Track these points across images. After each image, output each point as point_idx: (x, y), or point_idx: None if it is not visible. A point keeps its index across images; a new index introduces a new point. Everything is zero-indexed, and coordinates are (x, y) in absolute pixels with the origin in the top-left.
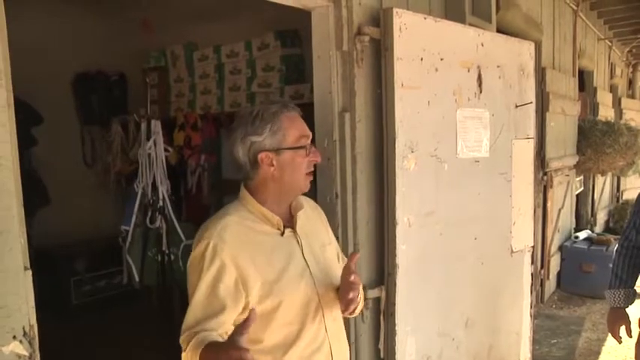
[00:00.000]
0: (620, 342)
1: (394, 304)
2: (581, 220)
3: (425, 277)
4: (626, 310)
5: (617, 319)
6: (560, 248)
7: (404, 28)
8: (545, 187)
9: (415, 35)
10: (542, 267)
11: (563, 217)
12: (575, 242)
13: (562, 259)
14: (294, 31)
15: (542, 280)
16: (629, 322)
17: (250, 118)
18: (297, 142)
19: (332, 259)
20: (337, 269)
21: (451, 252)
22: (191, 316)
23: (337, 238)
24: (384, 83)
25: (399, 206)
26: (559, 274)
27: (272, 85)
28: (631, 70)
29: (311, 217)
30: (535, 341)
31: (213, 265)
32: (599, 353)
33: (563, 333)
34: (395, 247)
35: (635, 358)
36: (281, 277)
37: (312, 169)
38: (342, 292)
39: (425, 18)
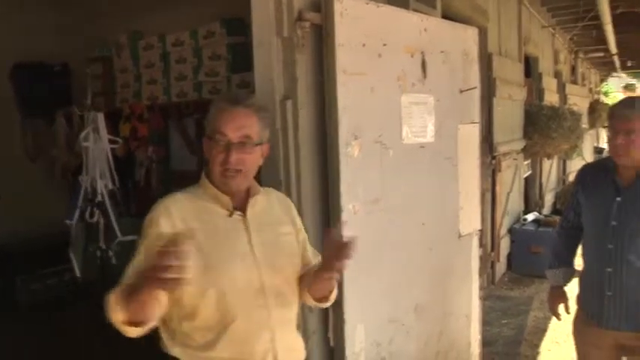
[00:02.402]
0: (559, 319)
1: (342, 293)
2: (530, 202)
3: (373, 264)
4: (565, 288)
5: (557, 297)
6: (510, 231)
7: (345, 14)
8: (493, 171)
9: (357, 21)
10: (492, 249)
11: (512, 200)
12: (523, 224)
13: (512, 241)
14: (240, 19)
15: (492, 262)
16: (567, 299)
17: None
18: (212, 133)
19: (289, 249)
20: (293, 259)
21: (399, 238)
22: (124, 278)
23: None
24: (326, 69)
25: (344, 194)
26: (509, 256)
27: (219, 73)
28: (573, 56)
29: (274, 207)
30: (486, 322)
31: (153, 232)
32: (545, 330)
33: (514, 313)
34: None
35: (573, 334)
36: (218, 257)
37: (228, 167)
38: (320, 271)
39: (367, 3)
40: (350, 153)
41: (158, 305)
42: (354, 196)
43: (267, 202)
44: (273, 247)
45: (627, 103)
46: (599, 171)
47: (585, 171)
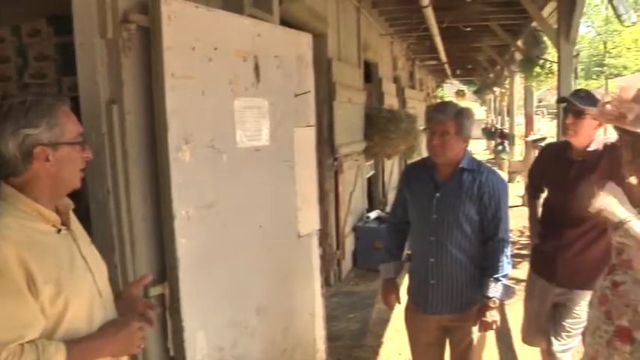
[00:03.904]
0: (391, 309)
1: (179, 300)
2: (374, 201)
3: (211, 268)
4: (396, 280)
5: (389, 289)
6: (354, 229)
7: (173, 17)
8: (336, 172)
9: (186, 24)
10: (338, 248)
11: (355, 200)
12: (367, 222)
13: (356, 239)
14: (70, 18)
15: (338, 260)
16: (399, 290)
17: (23, 110)
18: (75, 137)
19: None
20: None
21: (236, 241)
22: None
23: (112, 236)
24: (154, 73)
25: (176, 199)
26: (354, 253)
27: (47, 76)
28: (411, 63)
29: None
30: (334, 318)
31: (7, 274)
32: (388, 321)
33: (359, 307)
34: (174, 242)
35: (405, 321)
36: (68, 277)
37: (84, 165)
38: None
39: (197, 7)
40: (181, 158)
41: None
42: (187, 202)
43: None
44: (94, 256)
45: (441, 107)
46: (421, 169)
47: (409, 169)
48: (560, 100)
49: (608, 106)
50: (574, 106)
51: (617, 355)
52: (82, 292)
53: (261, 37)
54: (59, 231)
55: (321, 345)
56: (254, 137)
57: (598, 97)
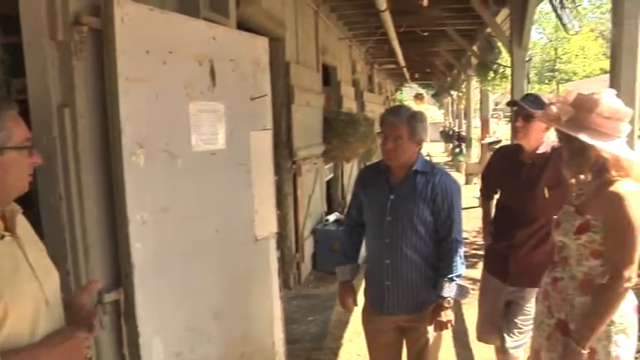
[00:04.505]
0: (349, 311)
1: (134, 306)
2: (333, 204)
3: (167, 273)
4: (353, 282)
5: (346, 291)
6: (314, 231)
7: (127, 19)
8: (294, 176)
9: (140, 27)
10: (297, 251)
11: (314, 203)
12: (325, 225)
13: (315, 242)
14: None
15: (298, 263)
16: (355, 292)
17: None
18: (22, 142)
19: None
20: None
21: (192, 246)
22: None
23: (65, 242)
24: (107, 76)
25: (130, 204)
26: (314, 256)
27: None
28: (370, 67)
29: (27, 221)
30: (294, 321)
31: None
32: (347, 323)
33: (319, 310)
34: (129, 247)
35: (362, 323)
36: (8, 284)
37: (32, 171)
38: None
39: (151, 10)
40: (135, 162)
41: None
42: (142, 206)
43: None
44: (43, 263)
45: (395, 111)
46: (376, 172)
47: (364, 172)
48: (510, 103)
49: (553, 108)
50: (523, 109)
51: (559, 346)
52: (25, 300)
53: (216, 41)
54: (2, 237)
55: (280, 348)
56: (210, 141)
57: (546, 101)
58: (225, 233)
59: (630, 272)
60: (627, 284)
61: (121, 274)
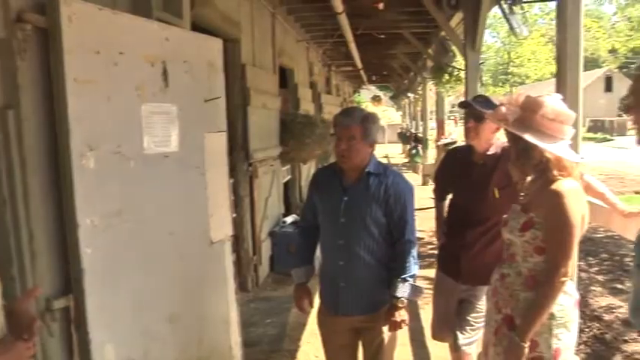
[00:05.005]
0: (305, 313)
1: (85, 312)
2: (291, 206)
3: (119, 278)
4: (308, 284)
5: (301, 293)
6: (271, 234)
7: (75, 18)
8: (251, 178)
9: (89, 26)
10: (254, 253)
11: (271, 205)
12: (283, 227)
13: (273, 244)
14: None
15: (255, 265)
16: (310, 294)
17: None
18: None
19: None
20: None
21: (146, 249)
22: None
23: (10, 247)
24: (54, 77)
25: (80, 208)
26: (271, 258)
27: None
28: (327, 69)
29: None
30: (252, 324)
31: None
32: (305, 324)
33: (277, 312)
34: (79, 252)
35: (317, 324)
36: None
37: None
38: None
39: (100, 9)
40: (85, 165)
41: None
42: (92, 210)
43: None
44: None
45: (348, 112)
46: (329, 174)
47: (317, 174)
48: (462, 104)
49: (502, 109)
50: (475, 110)
51: (505, 341)
52: None
53: (169, 42)
54: None
55: (237, 351)
56: (162, 143)
57: (496, 102)
58: (180, 236)
59: (566, 267)
60: (563, 278)
61: (70, 279)
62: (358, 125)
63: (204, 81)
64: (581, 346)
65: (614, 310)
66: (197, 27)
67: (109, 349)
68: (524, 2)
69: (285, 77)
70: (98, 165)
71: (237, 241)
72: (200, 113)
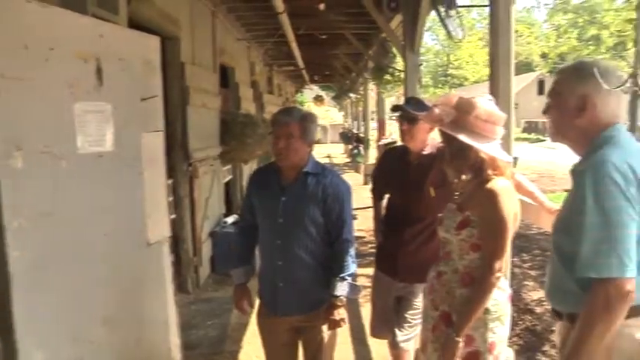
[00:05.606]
0: (244, 313)
1: (12, 319)
2: (233, 205)
3: (49, 282)
4: (247, 285)
5: (241, 294)
6: (212, 234)
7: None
8: (191, 178)
9: (15, 20)
10: (194, 254)
11: (212, 205)
12: (224, 227)
13: (213, 245)
14: None
15: (196, 266)
16: (250, 295)
17: None
18: None
19: None
20: None
21: (78, 251)
22: None
23: None
24: None
25: (7, 209)
26: (212, 259)
27: None
28: (269, 69)
29: None
30: (193, 325)
31: None
32: (247, 325)
33: (218, 313)
34: (5, 256)
35: (257, 324)
36: None
37: None
38: None
39: (28, 2)
40: (12, 165)
41: None
42: (20, 211)
43: None
44: None
45: (286, 111)
46: (267, 174)
47: (256, 174)
48: (394, 108)
49: (436, 111)
50: (408, 113)
51: (442, 337)
52: None
53: (104, 39)
54: None
55: (176, 354)
56: (97, 142)
57: (428, 104)
58: (115, 238)
59: (500, 263)
60: (498, 274)
61: None
62: (297, 123)
63: (140, 79)
64: (514, 338)
65: (544, 303)
66: (134, 24)
67: (38, 358)
68: (460, 7)
69: (226, 76)
70: (27, 165)
71: (176, 241)
72: (136, 112)
